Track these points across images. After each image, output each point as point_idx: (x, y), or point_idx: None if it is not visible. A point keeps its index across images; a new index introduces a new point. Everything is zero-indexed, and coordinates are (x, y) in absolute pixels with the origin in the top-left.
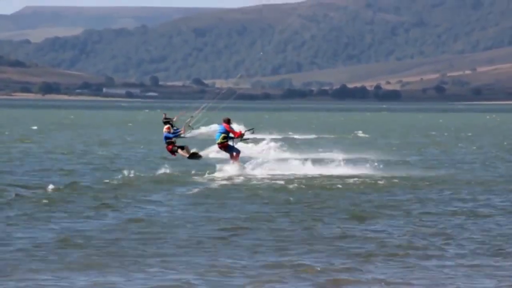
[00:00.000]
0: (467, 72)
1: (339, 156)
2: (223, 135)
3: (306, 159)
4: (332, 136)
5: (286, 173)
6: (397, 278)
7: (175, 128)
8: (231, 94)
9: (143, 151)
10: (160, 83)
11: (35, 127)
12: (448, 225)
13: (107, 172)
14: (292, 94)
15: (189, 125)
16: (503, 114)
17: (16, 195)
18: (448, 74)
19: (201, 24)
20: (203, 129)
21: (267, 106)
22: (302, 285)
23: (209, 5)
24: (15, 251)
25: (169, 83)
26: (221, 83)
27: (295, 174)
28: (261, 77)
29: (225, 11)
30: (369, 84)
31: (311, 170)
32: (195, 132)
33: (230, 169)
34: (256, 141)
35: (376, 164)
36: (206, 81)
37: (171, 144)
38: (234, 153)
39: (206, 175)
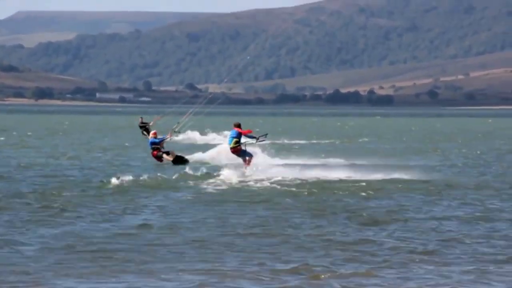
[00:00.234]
0: (460, 77)
1: (340, 161)
2: (235, 139)
3: (307, 164)
4: (328, 141)
5: (290, 177)
6: (409, 284)
7: (151, 132)
8: (217, 100)
9: (142, 156)
10: (153, 88)
11: (29, 133)
12: (457, 230)
13: (103, 176)
14: (285, 99)
15: (175, 131)
16: (499, 119)
17: (12, 201)
18: (441, 79)
19: (194, 29)
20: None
21: (261, 111)
22: None
23: (203, 10)
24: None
25: (162, 88)
26: (214, 88)
27: (299, 178)
28: (254, 81)
29: (218, 16)
30: (362, 89)
31: (314, 174)
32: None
33: (231, 173)
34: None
35: (382, 169)
36: (199, 86)
37: (157, 150)
38: (247, 157)
39: (209, 180)
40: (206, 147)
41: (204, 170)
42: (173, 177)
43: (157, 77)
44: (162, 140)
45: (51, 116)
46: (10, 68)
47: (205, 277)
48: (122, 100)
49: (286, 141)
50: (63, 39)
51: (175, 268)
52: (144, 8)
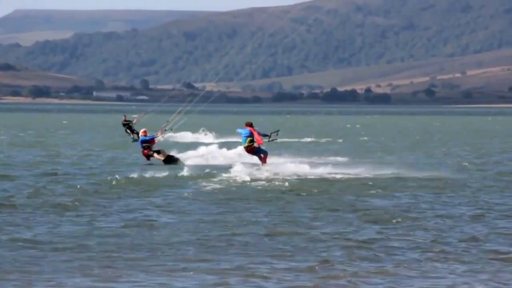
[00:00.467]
0: (457, 75)
1: (341, 159)
2: (249, 138)
3: (318, 162)
4: (325, 140)
5: (299, 174)
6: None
7: (135, 131)
8: (210, 98)
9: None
10: (151, 86)
11: (30, 132)
12: (473, 228)
13: (106, 175)
14: (283, 97)
15: (165, 129)
16: (497, 117)
17: (13, 199)
18: (438, 77)
19: (191, 27)
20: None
21: (258, 109)
22: None
23: (200, 9)
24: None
25: (159, 87)
26: (211, 87)
27: (309, 176)
28: (251, 80)
29: (215, 14)
30: (360, 87)
31: (324, 171)
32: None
33: (242, 171)
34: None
35: (394, 167)
36: (196, 85)
37: (147, 149)
38: (262, 155)
39: (217, 178)
40: (196, 146)
41: (208, 170)
42: (179, 175)
43: (154, 75)
44: (152, 138)
45: (49, 114)
46: (7, 67)
47: (218, 276)
48: (119, 98)
49: (295, 140)
50: (60, 37)
51: (190, 267)
52: (141, 7)
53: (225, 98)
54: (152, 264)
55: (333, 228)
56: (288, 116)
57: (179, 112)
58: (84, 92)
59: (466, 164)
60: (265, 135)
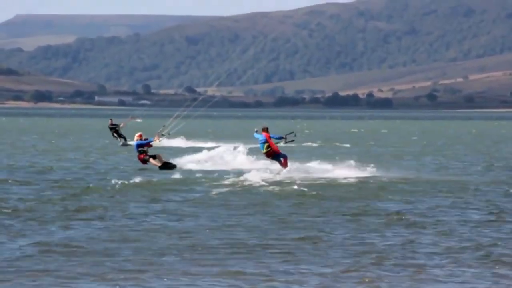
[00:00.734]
0: (459, 80)
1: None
2: (266, 144)
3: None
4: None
5: (312, 179)
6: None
7: (122, 135)
8: (208, 102)
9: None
10: (153, 91)
11: (35, 136)
12: (472, 234)
13: (112, 178)
14: (285, 102)
15: (162, 134)
16: (500, 122)
17: (14, 203)
18: (440, 82)
19: (193, 32)
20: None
21: (260, 114)
22: None
23: (202, 13)
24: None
25: (162, 91)
26: (213, 91)
27: (322, 180)
28: (253, 85)
29: (217, 19)
30: (361, 92)
31: (339, 175)
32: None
33: (255, 175)
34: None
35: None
36: (198, 89)
37: (143, 153)
38: (282, 159)
39: (231, 181)
40: (193, 151)
41: (216, 174)
42: (187, 178)
43: (156, 80)
44: (148, 143)
45: (53, 119)
46: (9, 72)
47: (230, 281)
48: (121, 103)
49: (301, 144)
50: (62, 42)
51: (202, 271)
52: (143, 12)
53: (228, 103)
54: (159, 268)
55: (356, 233)
56: (292, 120)
57: (177, 117)
58: (86, 96)
59: (480, 168)
60: (280, 138)
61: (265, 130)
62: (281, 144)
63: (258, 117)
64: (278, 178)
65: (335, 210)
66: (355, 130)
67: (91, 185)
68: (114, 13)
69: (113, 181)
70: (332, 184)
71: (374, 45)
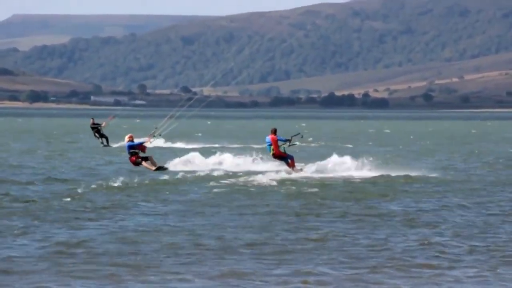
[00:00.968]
0: (455, 79)
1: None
2: (272, 146)
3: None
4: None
5: (318, 179)
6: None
7: (104, 135)
8: (204, 103)
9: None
10: (148, 91)
11: (34, 136)
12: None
13: (112, 178)
14: (280, 101)
15: (154, 135)
16: (495, 122)
17: (13, 204)
18: (436, 82)
19: (189, 32)
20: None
21: (256, 113)
22: None
23: (197, 13)
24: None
25: (157, 91)
26: (208, 91)
27: (328, 179)
28: (249, 84)
29: (213, 19)
30: (357, 92)
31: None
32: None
33: (262, 176)
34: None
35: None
36: (194, 89)
37: (135, 155)
38: (289, 160)
39: (239, 180)
40: (182, 153)
41: (222, 174)
42: (187, 178)
43: (151, 80)
44: (139, 144)
45: (52, 120)
46: (5, 72)
47: (225, 281)
48: (117, 103)
49: (303, 144)
50: (58, 42)
51: (210, 272)
52: (139, 12)
53: (223, 103)
54: (160, 268)
55: (373, 235)
56: (292, 122)
57: (171, 117)
58: (81, 97)
59: (484, 167)
60: (286, 140)
61: (273, 132)
62: (286, 145)
63: (254, 117)
64: (285, 176)
65: (339, 210)
66: (388, 130)
67: (92, 185)
68: (110, 13)
69: (114, 181)
70: (339, 184)
71: (369, 45)
